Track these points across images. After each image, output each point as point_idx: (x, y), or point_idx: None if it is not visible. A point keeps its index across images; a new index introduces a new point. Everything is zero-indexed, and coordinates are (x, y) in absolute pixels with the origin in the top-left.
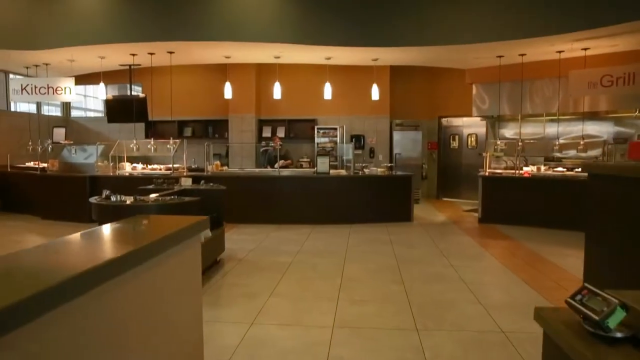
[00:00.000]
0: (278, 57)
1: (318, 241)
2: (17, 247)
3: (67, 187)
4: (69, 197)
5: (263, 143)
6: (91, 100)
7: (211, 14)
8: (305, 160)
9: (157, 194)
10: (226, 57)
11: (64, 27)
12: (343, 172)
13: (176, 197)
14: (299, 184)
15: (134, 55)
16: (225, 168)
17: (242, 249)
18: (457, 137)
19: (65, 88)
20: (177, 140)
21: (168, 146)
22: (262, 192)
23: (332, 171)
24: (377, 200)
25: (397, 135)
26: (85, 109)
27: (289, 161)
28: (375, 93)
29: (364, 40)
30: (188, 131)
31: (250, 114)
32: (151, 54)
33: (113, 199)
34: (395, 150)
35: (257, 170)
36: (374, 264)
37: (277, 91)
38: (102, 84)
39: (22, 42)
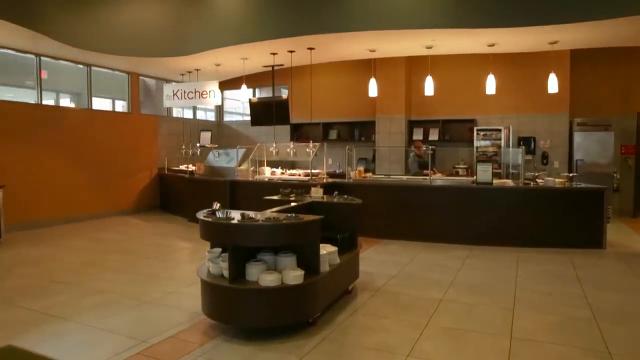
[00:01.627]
0: (430, 47)
1: (476, 270)
2: (159, 251)
3: (209, 190)
4: (211, 201)
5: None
6: (240, 104)
7: (351, 2)
8: (462, 166)
9: (277, 209)
10: (371, 51)
11: (209, 30)
12: (509, 182)
13: (294, 215)
14: (454, 195)
15: (274, 54)
16: (369, 174)
17: (381, 274)
18: None
19: (210, 92)
20: (317, 144)
21: (307, 150)
22: (410, 203)
23: (495, 181)
24: (555, 219)
25: (578, 137)
26: (236, 113)
27: (426, 171)
28: (552, 85)
29: (538, 17)
30: (333, 134)
31: (399, 115)
32: (291, 51)
33: (219, 214)
34: (577, 156)
35: (404, 177)
36: (557, 315)
37: (429, 87)
38: (244, 86)
39: (175, 49)
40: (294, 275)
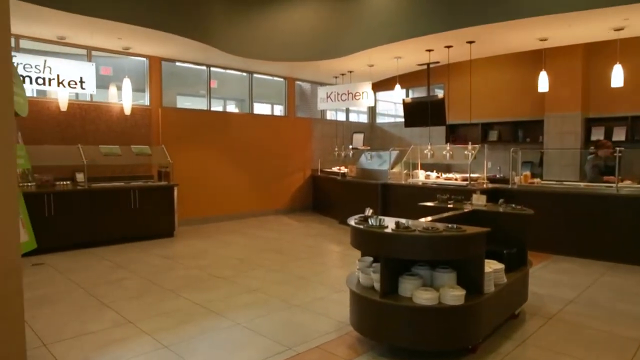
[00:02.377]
0: (620, 29)
1: None
2: (309, 252)
3: (360, 193)
4: (362, 204)
5: (591, 149)
6: (393, 106)
7: None
8: None
9: (434, 218)
10: (541, 40)
11: (362, 31)
12: None
13: (454, 226)
14: None
15: (430, 51)
16: (537, 180)
17: (554, 298)
18: None
19: (363, 93)
20: (477, 146)
21: (466, 152)
22: (589, 214)
23: None
24: None
25: None
26: (388, 115)
27: (611, 178)
28: None
29: None
30: (493, 135)
31: (574, 112)
32: (448, 46)
33: (371, 222)
34: None
35: (581, 184)
36: None
37: (617, 77)
38: (397, 86)
39: (328, 51)
40: (454, 295)
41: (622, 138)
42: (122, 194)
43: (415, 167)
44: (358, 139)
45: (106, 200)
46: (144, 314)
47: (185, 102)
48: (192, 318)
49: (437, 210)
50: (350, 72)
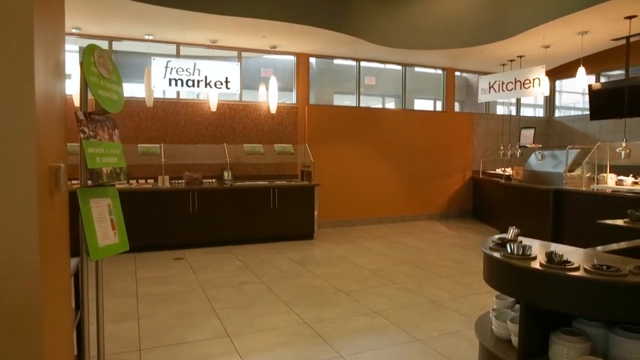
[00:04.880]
0: None
1: None
2: (454, 269)
3: (527, 201)
4: (529, 214)
5: None
6: (580, 98)
7: None
8: None
9: (620, 246)
10: None
11: (530, 2)
12: None
13: None
14: None
15: (631, 18)
16: None
17: None
18: None
19: (534, 80)
20: None
21: None
22: None
23: None
24: None
25: None
26: (574, 109)
27: None
28: None
29: None
30: None
31: None
32: None
33: (511, 249)
34: None
35: None
36: None
37: None
38: (581, 69)
39: (493, 34)
40: None
41: None
42: (262, 193)
43: (602, 169)
44: (527, 135)
45: (246, 199)
46: (246, 327)
47: (344, 101)
48: (292, 340)
49: (629, 233)
50: (521, 57)
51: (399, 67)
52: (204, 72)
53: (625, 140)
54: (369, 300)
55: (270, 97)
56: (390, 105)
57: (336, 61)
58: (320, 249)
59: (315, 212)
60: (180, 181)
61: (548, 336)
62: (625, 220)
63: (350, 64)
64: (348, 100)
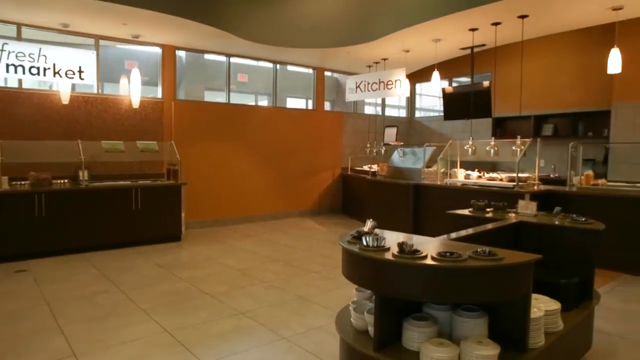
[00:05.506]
0: None
1: None
2: (323, 264)
3: (391, 195)
4: (392, 207)
5: None
6: (438, 101)
7: None
8: None
9: (460, 235)
10: (614, 10)
11: (395, 9)
12: None
13: (487, 251)
14: None
15: (474, 30)
16: (601, 181)
17: (626, 340)
18: None
19: (396, 81)
20: (527, 140)
21: (514, 148)
22: None
23: None
24: None
25: None
26: (433, 110)
27: None
28: None
29: None
30: (547, 129)
31: None
32: (496, 24)
33: (367, 242)
34: None
35: None
36: None
37: None
38: (435, 74)
39: (359, 35)
40: (482, 356)
41: None
42: (123, 194)
43: (454, 165)
44: (390, 133)
45: (105, 200)
46: (97, 343)
47: (216, 97)
48: (150, 352)
49: (472, 222)
50: (385, 59)
51: (271, 65)
52: (51, 59)
53: (472, 139)
54: (236, 302)
55: (133, 91)
56: (264, 103)
57: (207, 56)
58: (188, 251)
59: (183, 213)
60: (24, 182)
61: (402, 323)
62: (469, 210)
63: (221, 59)
64: (220, 97)
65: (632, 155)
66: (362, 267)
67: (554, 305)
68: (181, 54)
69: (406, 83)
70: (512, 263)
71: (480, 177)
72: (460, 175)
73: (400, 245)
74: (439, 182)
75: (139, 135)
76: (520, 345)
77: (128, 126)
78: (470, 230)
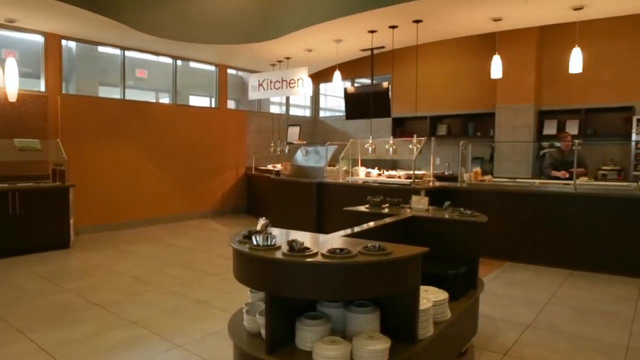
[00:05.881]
0: (579, 9)
1: None
2: (225, 267)
3: (295, 194)
4: (296, 206)
5: (544, 143)
6: (343, 101)
7: None
8: (611, 168)
9: (354, 231)
10: (495, 20)
11: (297, 8)
12: None
13: (377, 246)
14: (613, 207)
15: (373, 32)
16: (488, 178)
17: (508, 321)
18: None
19: (298, 80)
20: (422, 139)
21: (410, 146)
22: (546, 215)
23: None
24: None
25: None
26: (338, 110)
27: (581, 170)
28: None
29: None
30: (442, 129)
31: (526, 104)
32: (393, 27)
33: (257, 241)
34: None
35: (536, 182)
36: None
37: (575, 62)
38: (337, 74)
39: (261, 33)
40: (372, 351)
41: (575, 132)
42: None
43: (356, 163)
44: (293, 132)
45: None
46: None
47: (113, 93)
48: None
49: (369, 217)
50: (288, 58)
51: (170, 60)
52: None
53: (372, 138)
54: (128, 311)
55: (8, 82)
56: (165, 100)
57: (102, 48)
58: (76, 259)
59: (71, 217)
60: None
61: (294, 323)
62: (366, 206)
63: (116, 52)
64: (116, 93)
65: (513, 154)
66: (252, 267)
67: (442, 295)
68: (71, 44)
69: (309, 82)
70: (401, 257)
71: (380, 174)
72: (362, 173)
73: (290, 244)
74: (340, 180)
75: (18, 133)
76: (410, 336)
77: (4, 122)
78: (364, 226)
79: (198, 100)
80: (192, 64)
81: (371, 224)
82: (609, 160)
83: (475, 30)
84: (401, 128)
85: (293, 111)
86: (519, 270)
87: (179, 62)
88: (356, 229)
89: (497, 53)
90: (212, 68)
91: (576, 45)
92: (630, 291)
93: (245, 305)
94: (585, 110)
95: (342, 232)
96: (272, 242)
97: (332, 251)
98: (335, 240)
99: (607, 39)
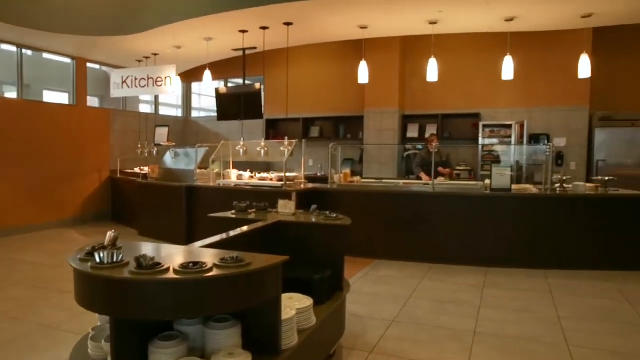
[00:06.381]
0: (435, 23)
1: (503, 309)
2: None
3: (164, 199)
4: (166, 211)
5: (408, 145)
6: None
7: None
8: (464, 169)
9: (212, 241)
10: (362, 28)
11: (161, 1)
12: (531, 188)
13: (235, 257)
14: (465, 204)
15: (244, 32)
16: (357, 179)
17: (374, 319)
18: None
19: (165, 78)
20: (294, 141)
21: (282, 148)
22: (408, 213)
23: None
24: (588, 234)
25: (601, 135)
26: (213, 110)
27: (447, 170)
28: (583, 69)
29: None
30: (315, 131)
31: (392, 108)
32: (264, 28)
33: (100, 258)
34: (597, 156)
35: (400, 182)
36: None
37: (432, 71)
38: (207, 73)
39: (125, 25)
40: None
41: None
42: None
43: (228, 166)
44: (162, 133)
45: None
46: None
47: None
48: None
49: (234, 224)
50: (156, 55)
51: (15, 49)
52: None
53: (243, 140)
54: None
55: None
56: (13, 95)
57: None
58: None
59: None
60: None
61: (147, 346)
62: (232, 212)
63: None
64: None
65: (380, 156)
66: (96, 288)
67: (307, 302)
68: None
69: (178, 81)
70: (259, 268)
71: (252, 177)
72: (233, 176)
73: (138, 260)
74: (211, 184)
75: None
76: (273, 348)
77: None
78: (224, 236)
79: (55, 96)
80: (46, 55)
81: (238, 230)
82: (462, 162)
83: (344, 36)
84: (275, 130)
85: (164, 110)
86: (385, 268)
87: (28, 52)
88: (217, 238)
89: (364, 59)
90: (69, 61)
91: (432, 56)
92: (478, 280)
93: (92, 330)
94: (442, 115)
95: (200, 243)
96: (119, 259)
97: (185, 266)
98: (193, 252)
99: (459, 53)
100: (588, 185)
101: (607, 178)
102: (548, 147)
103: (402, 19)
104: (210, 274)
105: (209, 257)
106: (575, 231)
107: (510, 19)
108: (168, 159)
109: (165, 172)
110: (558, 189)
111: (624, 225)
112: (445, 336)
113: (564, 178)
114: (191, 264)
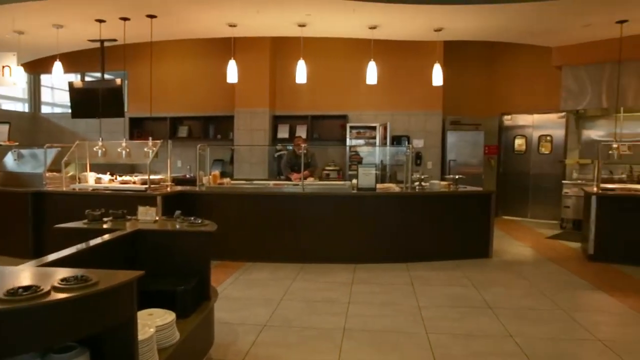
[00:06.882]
0: (303, 26)
1: (369, 305)
2: None
3: (5, 206)
4: (7, 221)
5: (278, 146)
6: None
7: None
8: (332, 169)
9: (55, 257)
10: (230, 26)
11: None
12: (393, 187)
13: (79, 277)
14: (333, 204)
15: (101, 22)
16: (227, 180)
17: (246, 325)
18: (524, 139)
19: (4, 68)
20: (159, 141)
21: (146, 149)
22: (279, 214)
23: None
24: (441, 228)
25: (451, 137)
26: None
27: (306, 172)
28: (436, 77)
29: None
30: (183, 131)
31: (262, 108)
32: (124, 19)
33: None
34: (449, 156)
35: (271, 183)
36: None
37: (300, 73)
38: (57, 64)
39: None
40: None
41: (304, 136)
42: None
43: (85, 168)
44: (1, 131)
45: None
46: None
47: None
48: None
49: (87, 235)
50: None
51: None
52: None
53: (102, 139)
54: None
55: None
56: None
57: None
58: None
59: None
60: None
61: None
62: (84, 221)
63: None
64: None
65: (251, 156)
66: None
67: (169, 317)
68: None
69: (20, 71)
70: (109, 287)
71: (113, 180)
72: (91, 180)
73: None
74: (65, 189)
75: None
76: None
77: None
78: (73, 250)
79: None
80: None
81: (89, 243)
82: (331, 162)
83: (212, 33)
84: (140, 129)
85: (4, 105)
86: (256, 270)
87: None
88: (64, 253)
89: (233, 58)
90: None
91: (301, 58)
92: (347, 277)
93: None
94: (311, 117)
95: (34, 262)
96: None
97: (13, 292)
98: (31, 272)
99: (328, 56)
100: (442, 183)
101: (457, 177)
102: (408, 148)
103: (272, 20)
104: (47, 299)
105: (48, 278)
106: (431, 225)
107: (374, 27)
108: (9, 160)
109: (7, 176)
110: (417, 187)
111: (471, 218)
112: (316, 336)
113: (422, 177)
114: (20, 289)
